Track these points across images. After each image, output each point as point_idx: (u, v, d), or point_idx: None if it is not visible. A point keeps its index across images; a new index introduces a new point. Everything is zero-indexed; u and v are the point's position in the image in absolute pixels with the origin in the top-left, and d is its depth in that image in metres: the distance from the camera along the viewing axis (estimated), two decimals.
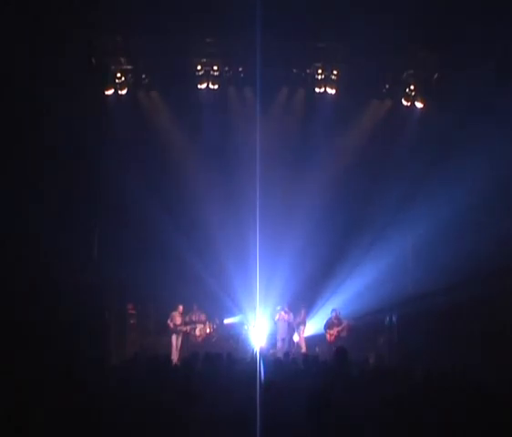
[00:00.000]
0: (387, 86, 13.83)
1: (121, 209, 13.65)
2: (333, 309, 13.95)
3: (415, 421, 5.01)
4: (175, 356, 13.17)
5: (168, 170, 14.42)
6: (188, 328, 14.43)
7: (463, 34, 11.33)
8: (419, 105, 13.66)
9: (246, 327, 14.70)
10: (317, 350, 13.97)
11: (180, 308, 14.02)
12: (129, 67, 13.33)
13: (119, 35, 12.67)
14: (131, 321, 14.37)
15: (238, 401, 5.23)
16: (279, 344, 14.06)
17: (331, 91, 13.55)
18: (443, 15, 11.16)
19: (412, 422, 4.99)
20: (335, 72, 13.37)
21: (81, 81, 12.23)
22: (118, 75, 13.22)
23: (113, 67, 13.19)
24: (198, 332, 15.03)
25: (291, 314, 14.19)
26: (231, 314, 15.28)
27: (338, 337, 13.69)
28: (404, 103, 13.77)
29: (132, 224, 13.87)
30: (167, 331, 13.92)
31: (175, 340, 13.74)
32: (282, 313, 14.13)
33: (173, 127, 14.27)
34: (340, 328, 13.79)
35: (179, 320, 13.92)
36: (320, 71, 13.41)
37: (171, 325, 13.80)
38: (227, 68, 13.46)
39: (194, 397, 5.38)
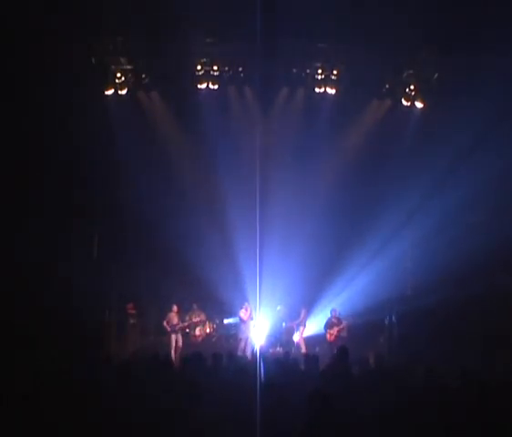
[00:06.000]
0: (387, 86, 13.83)
1: (121, 209, 13.66)
2: (333, 309, 13.95)
3: (415, 421, 5.01)
4: (175, 356, 13.17)
5: (168, 170, 14.42)
6: (186, 325, 14.41)
7: (463, 34, 11.33)
8: (419, 105, 13.65)
9: None
10: (317, 350, 13.96)
11: (175, 307, 13.97)
12: (129, 67, 13.30)
13: (119, 35, 12.66)
14: (131, 321, 14.35)
15: (238, 401, 5.23)
16: (241, 344, 13.66)
17: (331, 91, 13.54)
18: (443, 15, 11.16)
19: (412, 422, 5.00)
20: (335, 72, 13.35)
21: (81, 81, 12.24)
22: (118, 75, 13.19)
23: (113, 67, 13.16)
24: (198, 332, 15.04)
25: (250, 311, 13.69)
26: (231, 314, 15.28)
27: (338, 337, 13.68)
28: (404, 103, 13.76)
29: (132, 224, 13.87)
30: (166, 332, 13.91)
31: (175, 340, 13.73)
32: (242, 311, 13.71)
33: (173, 126, 14.27)
34: (340, 327, 13.79)
35: (175, 320, 13.90)
36: (320, 71, 13.40)
37: (168, 326, 13.78)
38: (227, 68, 13.45)
39: (194, 397, 5.38)
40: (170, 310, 13.94)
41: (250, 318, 13.86)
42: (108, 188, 13.33)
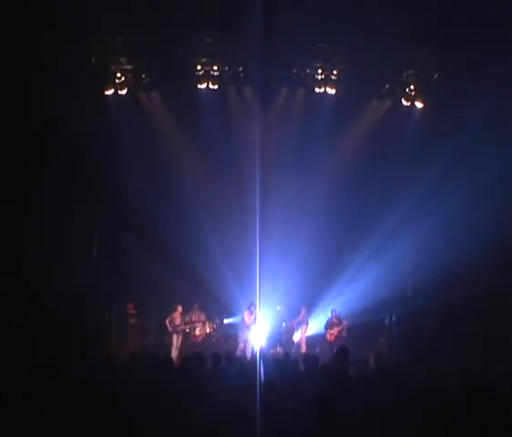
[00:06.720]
0: (387, 86, 13.84)
1: (121, 209, 13.65)
2: (333, 309, 13.95)
3: (415, 421, 5.02)
4: (175, 356, 13.16)
5: (168, 170, 14.41)
6: (187, 327, 14.41)
7: (463, 34, 11.33)
8: (419, 105, 13.66)
9: None
10: (317, 350, 13.96)
11: (180, 308, 13.97)
12: (129, 67, 13.32)
13: (119, 35, 12.67)
14: (131, 321, 14.35)
15: (238, 402, 5.23)
16: (240, 345, 13.66)
17: (331, 91, 13.55)
18: (443, 15, 11.16)
19: (412, 422, 5.00)
20: (335, 72, 13.36)
21: (81, 81, 12.24)
22: (118, 75, 13.20)
23: (113, 67, 13.18)
24: (198, 332, 15.01)
25: (254, 316, 13.65)
26: (232, 314, 15.27)
27: (339, 337, 13.69)
28: (404, 103, 13.77)
29: (132, 224, 13.87)
30: (167, 331, 13.90)
31: (175, 340, 13.72)
32: (247, 314, 13.66)
33: (173, 126, 14.27)
34: (340, 327, 13.79)
35: (178, 321, 13.89)
36: (320, 71, 13.40)
37: (170, 326, 13.77)
38: (227, 68, 13.45)
39: (194, 397, 5.38)
40: (174, 310, 13.92)
41: (254, 322, 13.73)
42: (108, 188, 13.33)
